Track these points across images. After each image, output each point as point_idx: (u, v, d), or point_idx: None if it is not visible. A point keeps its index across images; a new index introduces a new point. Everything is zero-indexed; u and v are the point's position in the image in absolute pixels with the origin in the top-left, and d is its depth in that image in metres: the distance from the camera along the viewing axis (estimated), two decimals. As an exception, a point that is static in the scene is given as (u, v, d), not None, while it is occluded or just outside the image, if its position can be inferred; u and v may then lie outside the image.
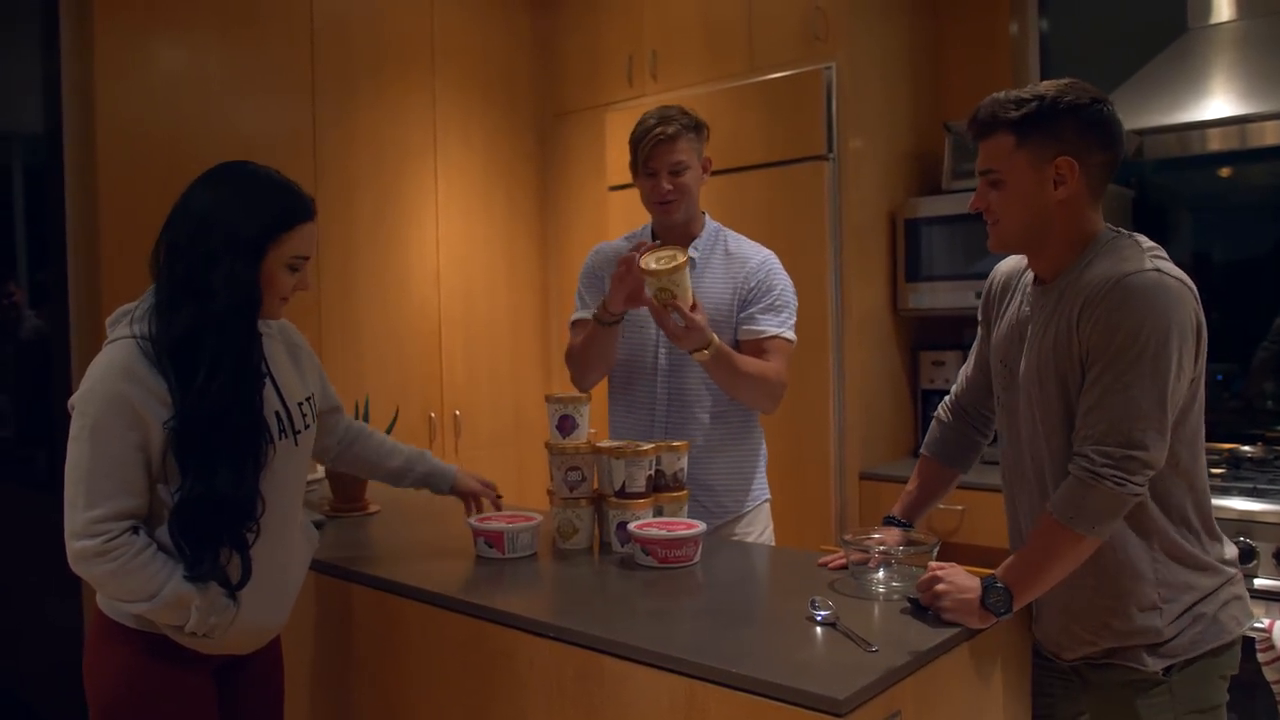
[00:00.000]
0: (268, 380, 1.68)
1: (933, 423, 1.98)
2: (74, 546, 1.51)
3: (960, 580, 1.53)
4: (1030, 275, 1.69)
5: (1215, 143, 3.08)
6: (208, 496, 1.53)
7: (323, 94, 3.37)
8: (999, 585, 1.51)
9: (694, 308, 2.05)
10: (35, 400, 3.30)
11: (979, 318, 1.86)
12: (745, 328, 2.26)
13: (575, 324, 2.40)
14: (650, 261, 2.03)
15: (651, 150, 2.23)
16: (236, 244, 1.56)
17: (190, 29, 3.03)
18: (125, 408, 1.51)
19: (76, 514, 1.51)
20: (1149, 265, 1.50)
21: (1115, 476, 1.46)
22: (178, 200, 1.61)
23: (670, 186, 2.24)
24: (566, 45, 4.04)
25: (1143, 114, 2.81)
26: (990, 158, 1.58)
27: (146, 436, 1.53)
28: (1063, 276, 1.59)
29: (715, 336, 2.09)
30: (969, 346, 3.44)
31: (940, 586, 1.53)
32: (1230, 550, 1.64)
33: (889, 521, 1.89)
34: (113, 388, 1.52)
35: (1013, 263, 1.79)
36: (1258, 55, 2.74)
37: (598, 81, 3.90)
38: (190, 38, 3.04)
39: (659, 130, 2.22)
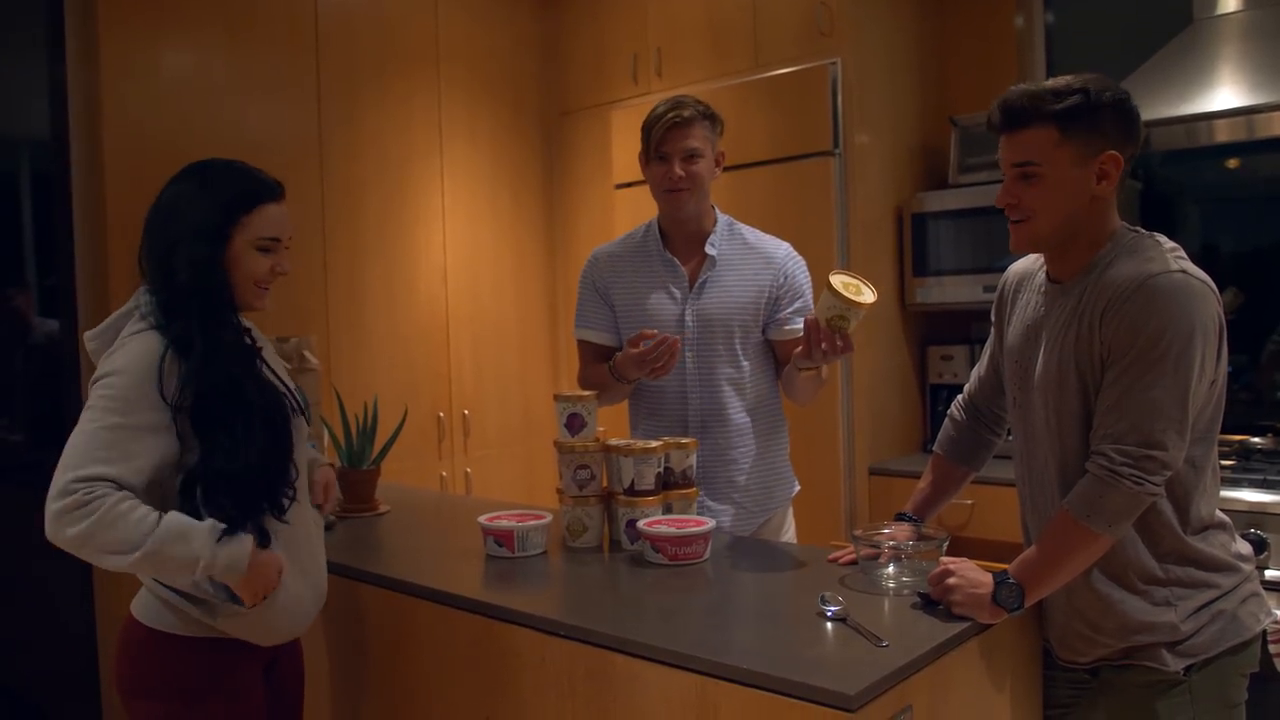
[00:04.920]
0: (270, 371, 1.71)
1: (945, 421, 1.97)
2: (51, 509, 1.45)
3: (972, 575, 1.53)
4: (1043, 275, 1.68)
5: (1223, 134, 3.06)
6: (229, 470, 1.54)
7: (328, 96, 3.38)
8: (1011, 581, 1.51)
9: None
10: (44, 405, 3.31)
11: (992, 318, 1.84)
12: (786, 327, 2.21)
13: (579, 343, 2.36)
14: (839, 283, 1.83)
15: (665, 134, 2.17)
16: (197, 228, 1.60)
17: (195, 33, 3.04)
18: (154, 389, 1.51)
19: (61, 476, 1.46)
20: (1173, 266, 1.49)
21: (1134, 475, 1.45)
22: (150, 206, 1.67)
23: (682, 173, 2.17)
24: (571, 44, 4.04)
25: (1150, 106, 2.80)
26: (1028, 150, 1.53)
27: (170, 421, 1.52)
28: (1082, 276, 1.57)
29: None
30: (977, 341, 3.45)
31: (951, 580, 1.53)
32: (1244, 547, 1.63)
33: (900, 518, 1.89)
34: (146, 367, 1.52)
35: (1026, 263, 1.77)
36: (1264, 46, 2.73)
37: (603, 79, 3.90)
38: (195, 41, 3.04)
39: (673, 114, 2.16)
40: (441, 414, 3.68)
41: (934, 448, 1.97)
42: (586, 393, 2.08)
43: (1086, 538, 1.48)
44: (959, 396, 1.96)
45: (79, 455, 1.47)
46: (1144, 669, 1.56)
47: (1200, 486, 1.57)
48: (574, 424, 2.04)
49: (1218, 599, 1.55)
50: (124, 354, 1.55)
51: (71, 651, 3.07)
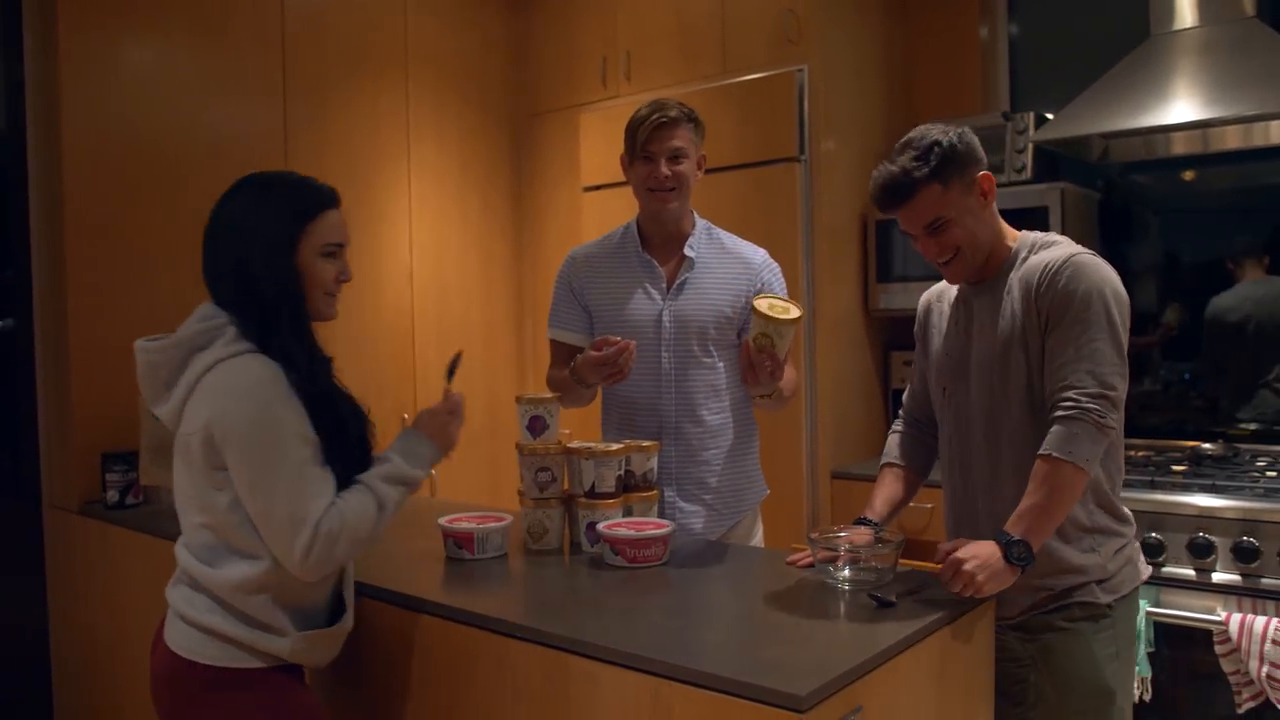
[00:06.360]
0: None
1: (891, 436, 2.06)
2: (309, 562, 1.52)
3: (981, 551, 1.61)
4: (951, 293, 1.92)
5: (1179, 146, 3.13)
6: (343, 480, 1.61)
7: (294, 96, 3.35)
8: (1016, 539, 1.61)
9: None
10: None
11: (916, 334, 2.01)
12: None
13: (552, 344, 2.35)
14: (764, 305, 1.95)
15: (651, 133, 2.18)
16: (268, 241, 1.60)
17: (158, 28, 3.01)
18: (296, 404, 1.55)
19: (296, 533, 1.51)
20: (1088, 251, 1.75)
21: (1098, 410, 1.63)
22: (207, 223, 1.65)
23: (669, 173, 2.18)
24: (540, 46, 4.04)
25: (1108, 117, 2.85)
26: (928, 209, 1.74)
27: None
28: (1002, 272, 1.80)
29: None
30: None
31: (969, 565, 1.59)
32: (1127, 508, 1.85)
33: (861, 523, 1.91)
34: (279, 390, 1.54)
35: (936, 287, 1.99)
36: (1219, 61, 2.79)
37: (572, 82, 3.91)
38: (158, 37, 3.01)
39: (659, 115, 2.18)
40: (406, 415, 3.67)
41: (883, 460, 2.04)
42: (548, 395, 2.09)
43: (1070, 474, 1.63)
44: (899, 413, 2.09)
45: (302, 503, 1.52)
46: (1078, 605, 1.74)
47: (1111, 446, 1.75)
48: (536, 426, 2.04)
49: (1124, 546, 1.80)
50: (247, 386, 1.54)
51: (24, 651, 3.02)
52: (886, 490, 1.98)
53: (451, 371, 1.86)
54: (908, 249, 3.29)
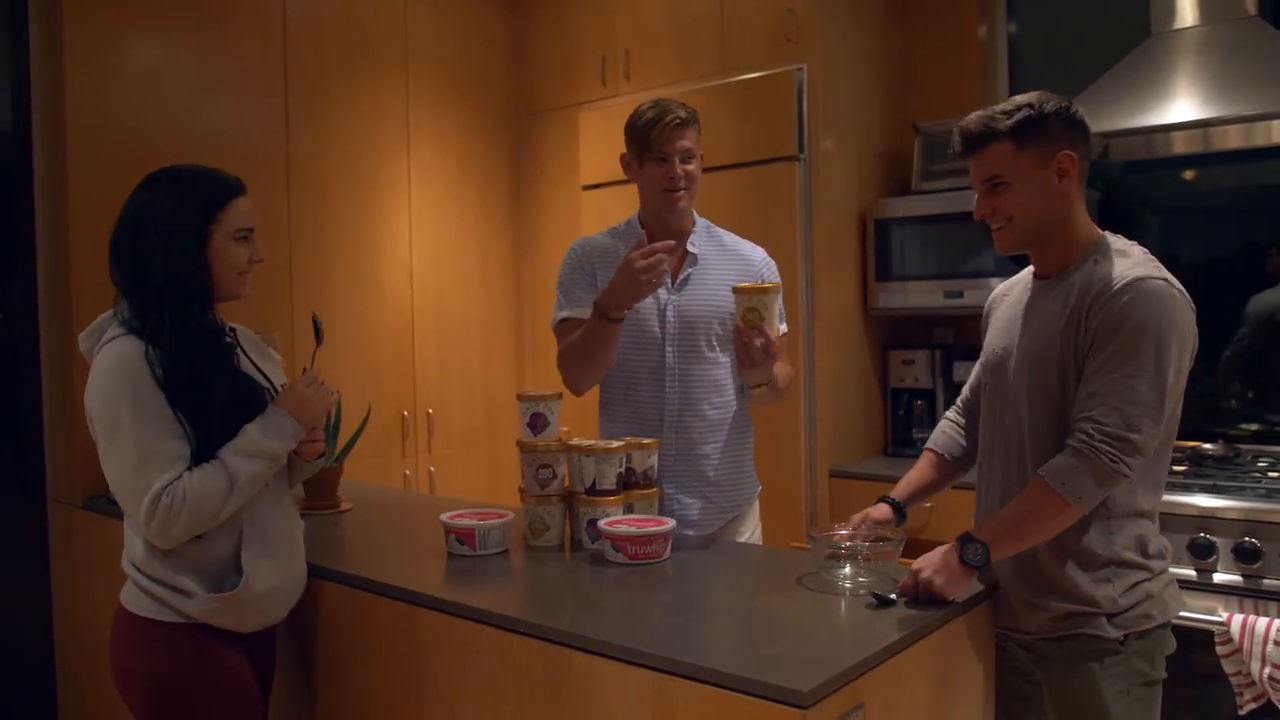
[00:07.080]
0: (250, 363, 1.85)
1: (942, 423, 2.04)
2: (151, 528, 1.64)
3: (934, 557, 1.60)
4: (1021, 287, 1.82)
5: (1180, 145, 3.13)
6: (202, 457, 1.70)
7: (295, 94, 3.36)
8: (976, 540, 1.58)
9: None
10: (4, 402, 3.26)
11: (981, 333, 1.94)
12: None
13: (564, 323, 2.30)
14: (745, 285, 1.97)
15: (669, 134, 2.19)
16: (174, 232, 1.71)
17: (162, 27, 3.01)
18: (148, 382, 1.65)
19: (138, 502, 1.63)
20: (1159, 275, 1.62)
21: (1110, 454, 1.54)
22: (118, 215, 1.77)
23: (682, 173, 2.21)
24: (540, 45, 4.05)
25: (1108, 117, 2.85)
26: (992, 165, 1.68)
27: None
28: (1070, 270, 1.70)
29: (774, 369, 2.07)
30: (939, 346, 3.48)
31: (925, 574, 1.58)
32: (1166, 542, 1.74)
33: (884, 500, 1.93)
34: (134, 371, 1.65)
35: (1006, 283, 1.92)
36: (1219, 60, 2.79)
37: (571, 81, 3.91)
38: (162, 35, 3.01)
39: (673, 116, 2.19)
40: (406, 412, 3.67)
41: (927, 445, 2.02)
42: (550, 392, 2.09)
43: (1056, 505, 1.57)
44: (956, 402, 2.04)
45: (143, 475, 1.63)
46: (1086, 638, 1.65)
47: (1150, 481, 1.67)
48: (537, 423, 2.05)
49: (1146, 580, 1.67)
50: (106, 369, 1.67)
51: (30, 650, 3.03)
52: (916, 474, 1.98)
53: (317, 333, 2.05)
54: (906, 248, 3.30)
